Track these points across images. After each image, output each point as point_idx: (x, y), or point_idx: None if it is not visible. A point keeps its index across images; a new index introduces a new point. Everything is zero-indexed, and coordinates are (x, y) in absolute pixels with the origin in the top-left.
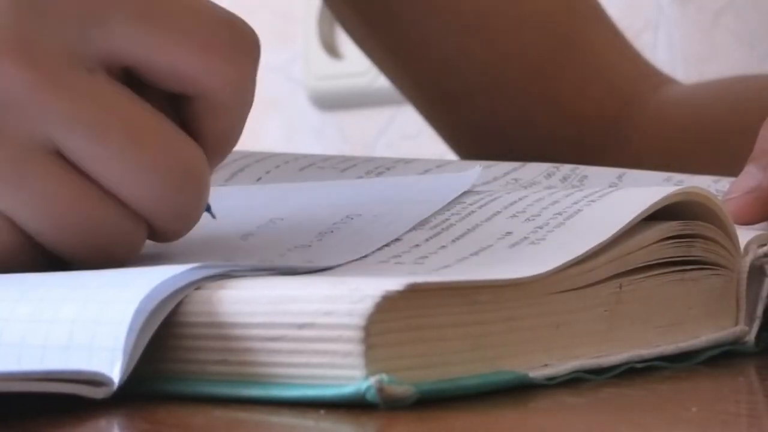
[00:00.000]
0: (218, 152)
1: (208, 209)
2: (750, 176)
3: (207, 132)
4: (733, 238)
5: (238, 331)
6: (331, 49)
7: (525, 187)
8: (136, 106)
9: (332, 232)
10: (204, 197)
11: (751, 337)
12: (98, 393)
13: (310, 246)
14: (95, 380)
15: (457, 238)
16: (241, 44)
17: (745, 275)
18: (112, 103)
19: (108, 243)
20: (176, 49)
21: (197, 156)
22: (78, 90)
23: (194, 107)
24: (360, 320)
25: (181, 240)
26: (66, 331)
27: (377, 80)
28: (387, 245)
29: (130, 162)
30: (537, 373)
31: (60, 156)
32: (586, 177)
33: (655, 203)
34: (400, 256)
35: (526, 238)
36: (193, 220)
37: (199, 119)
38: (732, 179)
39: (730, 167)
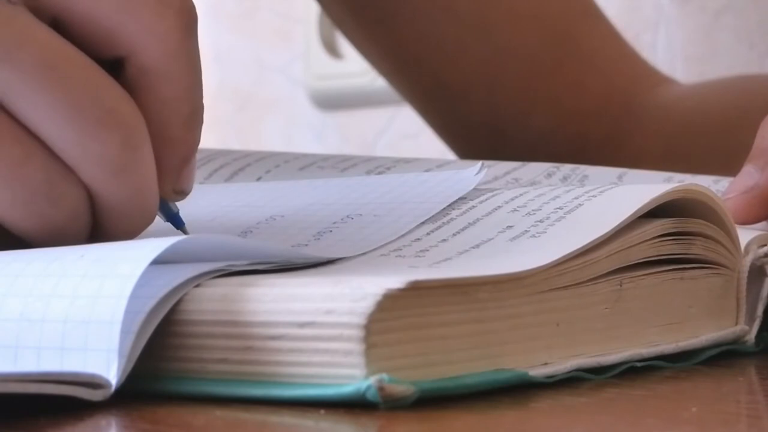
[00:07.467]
0: (166, 128)
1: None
2: (748, 176)
3: (146, 100)
4: (733, 237)
5: (238, 330)
6: (331, 49)
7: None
8: (55, 38)
9: (331, 231)
10: (138, 158)
11: (751, 336)
12: (96, 395)
13: (306, 245)
14: (93, 382)
15: (458, 232)
16: (168, 1)
17: (745, 275)
18: (30, 30)
19: (39, 197)
20: None
21: (126, 103)
22: None
23: (129, 73)
24: (361, 319)
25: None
26: (59, 333)
27: (377, 80)
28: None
29: (45, 91)
30: (537, 372)
31: None
32: (586, 177)
33: (657, 197)
34: (401, 249)
35: (526, 231)
36: (132, 184)
37: (136, 86)
38: (732, 179)
39: (730, 167)
